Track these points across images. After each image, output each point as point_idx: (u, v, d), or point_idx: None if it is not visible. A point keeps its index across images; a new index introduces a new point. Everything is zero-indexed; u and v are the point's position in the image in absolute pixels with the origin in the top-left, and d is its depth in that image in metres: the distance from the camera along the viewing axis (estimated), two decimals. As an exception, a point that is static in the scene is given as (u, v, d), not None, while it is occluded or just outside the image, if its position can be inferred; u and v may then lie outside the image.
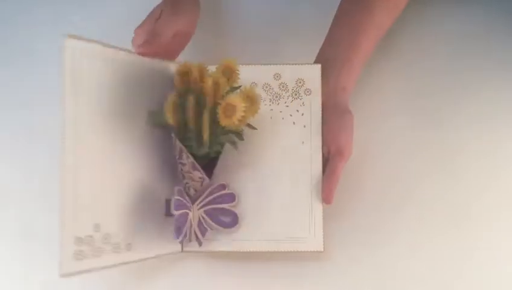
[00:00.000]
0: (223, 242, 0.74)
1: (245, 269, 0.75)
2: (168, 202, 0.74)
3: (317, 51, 0.80)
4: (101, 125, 0.69)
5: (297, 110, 0.76)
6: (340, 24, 0.80)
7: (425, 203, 0.78)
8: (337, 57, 0.78)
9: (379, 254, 0.75)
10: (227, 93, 0.71)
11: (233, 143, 0.73)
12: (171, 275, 0.76)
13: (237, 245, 0.74)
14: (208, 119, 0.69)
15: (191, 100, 0.69)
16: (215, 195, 0.75)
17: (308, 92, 0.76)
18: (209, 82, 0.69)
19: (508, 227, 0.76)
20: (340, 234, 0.76)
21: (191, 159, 0.71)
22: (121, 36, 0.76)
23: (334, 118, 0.75)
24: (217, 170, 0.75)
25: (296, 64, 0.77)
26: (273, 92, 0.76)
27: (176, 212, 0.71)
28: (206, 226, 0.74)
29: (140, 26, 0.76)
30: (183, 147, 0.71)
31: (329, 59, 0.78)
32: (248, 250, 0.74)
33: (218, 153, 0.73)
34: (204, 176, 0.72)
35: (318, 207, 0.74)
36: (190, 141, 0.71)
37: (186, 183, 0.74)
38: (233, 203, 0.75)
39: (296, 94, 0.76)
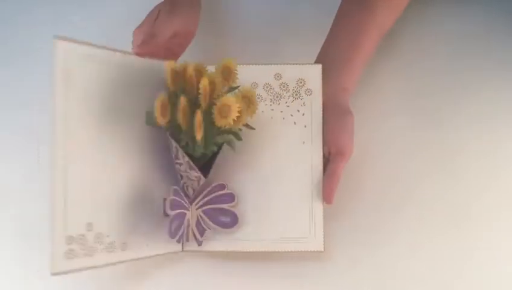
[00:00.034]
0: (223, 242, 0.74)
1: (245, 269, 0.75)
2: (166, 202, 0.74)
3: (318, 50, 0.80)
4: (93, 126, 0.70)
5: (298, 110, 0.76)
6: (341, 24, 0.80)
7: (426, 203, 0.78)
8: (338, 57, 0.78)
9: (379, 254, 0.75)
10: (225, 93, 0.71)
11: (230, 143, 0.73)
12: (171, 274, 0.76)
13: (237, 245, 0.74)
14: (201, 119, 0.69)
15: (182, 100, 0.69)
16: (214, 195, 0.75)
17: (309, 92, 0.76)
18: (204, 82, 0.69)
19: (508, 227, 0.76)
20: (341, 234, 0.76)
21: (187, 159, 0.71)
22: (121, 36, 0.76)
23: (334, 118, 0.75)
24: (217, 170, 0.75)
25: (296, 64, 0.77)
26: (274, 92, 0.76)
27: (172, 212, 0.71)
28: (204, 226, 0.74)
29: (138, 27, 0.76)
30: (179, 147, 0.71)
31: (330, 59, 0.78)
32: (248, 250, 0.74)
33: (215, 153, 0.73)
34: (201, 175, 0.72)
35: (319, 207, 0.74)
36: (184, 141, 0.71)
37: (184, 183, 0.74)
38: (233, 204, 0.75)
39: (296, 94, 0.76)
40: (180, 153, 0.71)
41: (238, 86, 0.73)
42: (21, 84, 0.88)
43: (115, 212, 0.70)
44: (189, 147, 0.71)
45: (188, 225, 0.73)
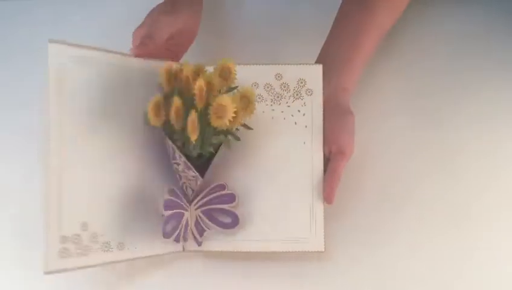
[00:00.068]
0: (224, 242, 0.74)
1: (246, 269, 0.75)
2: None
3: (319, 50, 0.80)
4: (89, 126, 0.70)
5: (299, 111, 0.76)
6: (342, 24, 0.81)
7: (426, 203, 0.78)
8: (339, 57, 0.78)
9: (380, 254, 0.75)
10: (224, 93, 0.71)
11: (227, 144, 0.72)
12: (171, 274, 0.76)
13: (238, 245, 0.74)
14: (196, 120, 0.68)
15: (175, 101, 0.69)
16: (214, 195, 0.75)
17: (309, 92, 0.76)
18: (199, 83, 0.69)
19: (508, 227, 0.76)
20: (341, 234, 0.76)
21: (183, 159, 0.71)
22: (121, 36, 0.76)
23: (335, 118, 0.75)
24: (218, 170, 0.75)
25: (297, 64, 0.77)
26: (275, 92, 0.76)
27: (166, 212, 0.71)
28: (203, 226, 0.74)
29: (137, 29, 0.76)
30: (175, 147, 0.71)
31: (331, 59, 0.78)
32: (250, 250, 0.74)
33: (211, 153, 0.72)
34: (197, 175, 0.72)
35: (319, 207, 0.74)
36: (180, 142, 0.71)
37: (183, 183, 0.74)
38: (234, 204, 0.74)
39: (297, 94, 0.76)
40: (177, 153, 0.71)
41: (237, 86, 0.73)
42: (21, 84, 0.88)
43: (111, 212, 0.71)
44: (185, 148, 0.71)
45: (187, 225, 0.73)
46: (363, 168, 0.79)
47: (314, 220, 0.73)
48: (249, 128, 0.74)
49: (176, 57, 0.77)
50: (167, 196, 0.71)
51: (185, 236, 0.73)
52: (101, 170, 0.71)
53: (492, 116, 0.82)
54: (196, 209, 0.74)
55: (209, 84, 0.70)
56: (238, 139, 0.73)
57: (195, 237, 0.74)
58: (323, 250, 0.73)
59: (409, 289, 0.74)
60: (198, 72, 0.72)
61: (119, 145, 0.73)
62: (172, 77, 0.72)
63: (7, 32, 0.93)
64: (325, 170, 0.74)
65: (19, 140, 0.85)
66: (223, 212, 0.74)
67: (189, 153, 0.71)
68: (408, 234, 0.76)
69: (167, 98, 0.71)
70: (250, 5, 0.92)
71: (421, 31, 0.89)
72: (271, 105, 0.76)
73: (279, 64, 0.77)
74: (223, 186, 0.75)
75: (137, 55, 0.74)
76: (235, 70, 0.72)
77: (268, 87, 0.76)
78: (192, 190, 0.74)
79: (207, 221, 0.74)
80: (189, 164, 0.71)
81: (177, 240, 0.72)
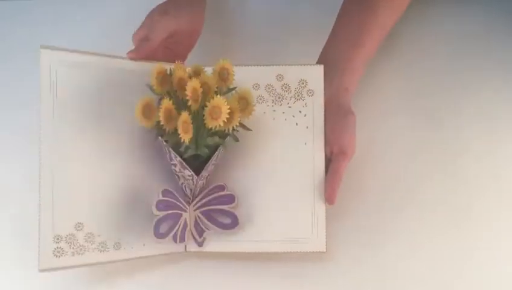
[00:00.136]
0: (226, 243, 0.74)
1: (247, 269, 0.75)
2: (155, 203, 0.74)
3: (320, 50, 0.80)
4: (83, 128, 0.71)
5: (300, 111, 0.76)
6: (343, 24, 0.81)
7: (427, 204, 0.78)
8: (340, 57, 0.78)
9: (381, 254, 0.75)
10: (223, 94, 0.71)
11: (224, 145, 0.72)
12: (171, 274, 0.76)
13: (240, 246, 0.74)
14: (189, 121, 0.68)
15: (164, 103, 0.69)
16: (213, 196, 0.75)
17: (310, 92, 0.76)
18: (193, 84, 0.69)
19: (509, 227, 0.76)
20: (342, 235, 0.76)
21: (179, 158, 0.71)
22: (121, 36, 0.76)
23: (336, 118, 0.75)
24: (218, 170, 0.75)
25: (298, 65, 0.77)
26: (276, 93, 0.76)
27: (160, 213, 0.71)
28: (202, 226, 0.74)
29: (136, 31, 0.76)
30: (170, 148, 0.71)
31: (332, 59, 0.78)
32: (251, 251, 0.74)
33: (207, 154, 0.72)
34: (193, 174, 0.72)
35: (321, 207, 0.74)
36: (171, 143, 0.71)
37: (182, 183, 0.74)
38: (233, 205, 0.74)
39: (298, 95, 0.76)
40: (172, 153, 0.71)
41: (235, 87, 0.73)
42: (21, 84, 0.88)
43: (107, 212, 0.72)
44: (176, 149, 0.71)
45: (185, 226, 0.73)
46: (364, 168, 0.79)
47: (315, 220, 0.74)
48: (247, 129, 0.74)
49: (176, 56, 0.77)
50: (160, 197, 0.71)
51: (182, 237, 0.73)
52: (98, 170, 0.72)
53: (493, 116, 0.83)
54: (195, 210, 0.74)
55: (205, 85, 0.70)
56: (236, 140, 0.73)
57: (194, 238, 0.74)
58: (325, 250, 0.73)
59: (410, 289, 0.74)
60: (197, 72, 0.72)
61: (116, 145, 0.73)
62: (166, 78, 0.72)
63: (7, 32, 0.93)
64: (326, 171, 0.75)
65: (19, 140, 0.85)
66: (223, 213, 0.74)
67: (181, 154, 0.71)
68: (409, 234, 0.76)
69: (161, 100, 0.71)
70: (250, 5, 0.92)
71: (421, 31, 0.89)
72: (272, 106, 0.76)
73: (280, 65, 0.77)
74: (222, 187, 0.75)
75: (132, 59, 0.74)
76: (233, 72, 0.72)
77: (269, 88, 0.76)
78: (191, 190, 0.74)
79: (206, 222, 0.74)
80: (184, 163, 0.71)
81: (174, 240, 0.72)
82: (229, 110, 0.68)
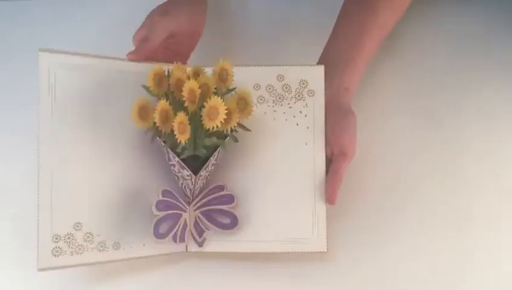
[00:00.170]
0: (225, 243, 0.74)
1: (247, 269, 0.75)
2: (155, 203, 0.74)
3: (320, 51, 0.80)
4: (82, 129, 0.72)
5: (301, 112, 0.76)
6: (344, 24, 0.81)
7: (427, 204, 0.78)
8: (341, 57, 0.78)
9: (382, 255, 0.75)
10: (222, 95, 0.71)
11: (222, 145, 0.72)
12: (171, 274, 0.76)
13: (240, 246, 0.74)
14: (186, 122, 0.68)
15: (160, 104, 0.69)
16: (213, 196, 0.75)
17: (311, 93, 0.76)
18: (189, 85, 0.69)
19: (509, 227, 0.76)
20: (343, 235, 0.76)
21: (177, 159, 0.71)
22: (121, 36, 0.76)
23: (337, 118, 0.75)
24: (218, 171, 0.75)
25: (299, 65, 0.77)
26: (277, 94, 0.76)
27: (159, 213, 0.71)
28: (202, 227, 0.74)
29: (137, 31, 0.76)
30: (168, 148, 0.71)
31: (333, 59, 0.78)
32: (252, 251, 0.74)
33: (206, 155, 0.72)
34: (191, 173, 0.72)
35: (321, 208, 0.74)
36: (168, 144, 0.71)
37: (182, 183, 0.74)
38: (233, 205, 0.74)
39: (299, 95, 0.76)
40: (170, 153, 0.71)
41: (235, 88, 0.73)
42: (21, 84, 0.88)
43: (106, 212, 0.72)
44: (172, 149, 0.71)
45: (185, 226, 0.73)
46: (365, 168, 0.79)
47: (316, 220, 0.74)
48: (246, 129, 0.74)
49: (177, 57, 0.77)
50: (160, 197, 0.71)
51: (182, 237, 0.73)
52: (98, 170, 0.72)
53: (493, 116, 0.83)
54: (195, 210, 0.74)
55: (205, 85, 0.70)
56: (236, 140, 0.73)
57: (194, 238, 0.74)
58: (325, 250, 0.73)
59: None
60: (197, 73, 0.72)
61: (116, 146, 0.73)
62: (163, 79, 0.72)
63: (7, 32, 0.93)
64: (327, 171, 0.75)
65: (19, 140, 0.84)
66: (222, 213, 0.74)
67: (178, 155, 0.71)
68: (410, 235, 0.76)
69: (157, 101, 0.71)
70: (250, 6, 0.92)
71: (421, 31, 0.89)
72: (273, 106, 0.76)
73: (281, 65, 0.77)
74: (222, 187, 0.75)
75: (132, 60, 0.74)
76: (232, 72, 0.72)
77: (270, 88, 0.76)
78: (190, 190, 0.74)
79: (206, 222, 0.74)
80: (182, 163, 0.71)
81: (174, 240, 0.72)
82: (226, 111, 0.68)
